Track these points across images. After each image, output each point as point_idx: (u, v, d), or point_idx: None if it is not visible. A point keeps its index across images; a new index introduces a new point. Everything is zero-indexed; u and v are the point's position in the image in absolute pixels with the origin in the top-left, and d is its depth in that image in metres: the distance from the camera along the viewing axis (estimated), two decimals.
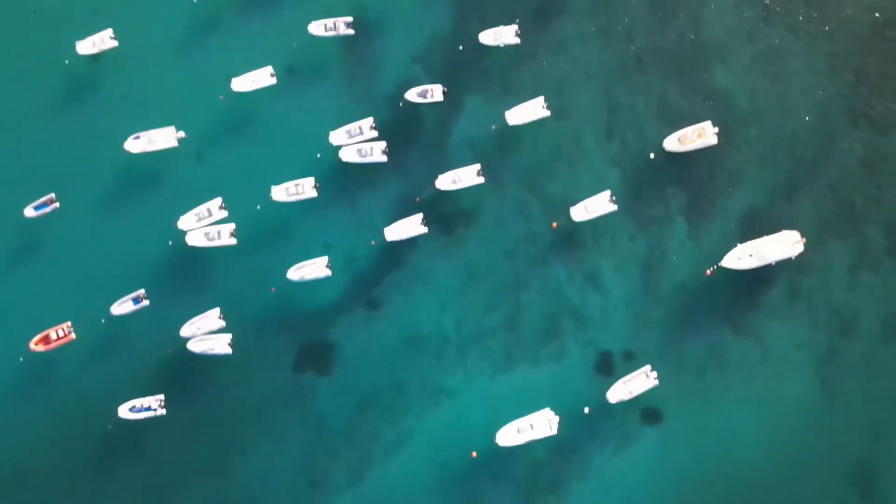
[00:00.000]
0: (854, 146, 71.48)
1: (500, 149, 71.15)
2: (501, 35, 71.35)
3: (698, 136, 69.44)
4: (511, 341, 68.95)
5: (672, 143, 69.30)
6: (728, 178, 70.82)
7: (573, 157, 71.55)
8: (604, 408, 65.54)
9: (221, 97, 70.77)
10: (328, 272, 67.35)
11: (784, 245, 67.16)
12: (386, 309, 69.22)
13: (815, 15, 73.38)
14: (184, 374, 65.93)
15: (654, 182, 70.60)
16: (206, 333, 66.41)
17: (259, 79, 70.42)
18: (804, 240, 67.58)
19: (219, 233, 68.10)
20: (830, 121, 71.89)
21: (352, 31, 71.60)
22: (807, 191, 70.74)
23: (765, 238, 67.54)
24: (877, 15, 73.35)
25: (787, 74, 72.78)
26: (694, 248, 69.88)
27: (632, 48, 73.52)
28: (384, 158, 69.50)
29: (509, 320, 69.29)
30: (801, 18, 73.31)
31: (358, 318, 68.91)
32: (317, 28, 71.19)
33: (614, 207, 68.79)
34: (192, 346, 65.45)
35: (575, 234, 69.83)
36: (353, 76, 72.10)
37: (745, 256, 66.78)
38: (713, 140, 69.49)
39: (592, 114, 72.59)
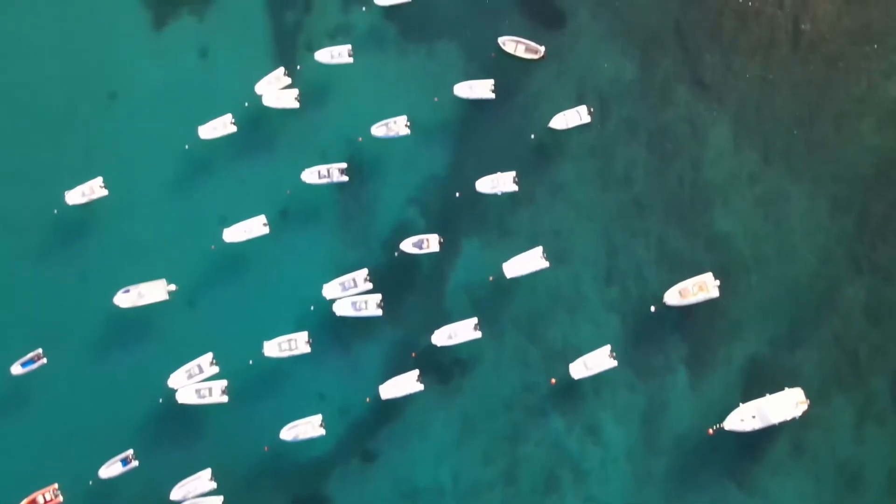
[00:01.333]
0: (858, 293, 70.13)
1: (497, 299, 69.78)
2: (499, 182, 70.11)
3: (699, 289, 68.12)
4: (509, 495, 67.55)
5: (673, 296, 67.97)
6: (730, 328, 69.42)
7: (572, 305, 70.19)
8: None
9: (213, 247, 69.40)
10: (322, 431, 65.87)
11: (787, 405, 65.73)
12: (381, 462, 67.80)
13: (818, 156, 72.17)
14: None
15: (654, 334, 69.19)
16: (197, 496, 64.80)
17: (251, 228, 69.09)
18: (808, 400, 66.15)
19: (210, 390, 66.59)
20: (833, 267, 70.57)
21: (346, 178, 70.34)
22: (810, 341, 69.33)
23: (768, 397, 66.10)
24: (881, 156, 72.18)
25: (789, 218, 71.49)
26: (696, 401, 68.46)
27: (631, 191, 72.24)
28: (379, 312, 68.09)
29: (507, 473, 67.86)
30: (803, 160, 72.10)
31: (352, 473, 67.50)
32: (310, 175, 69.92)
33: (614, 363, 67.39)
34: None
35: (574, 386, 68.38)
36: (348, 225, 70.80)
37: (747, 418, 65.34)
38: (714, 293, 68.15)
39: (592, 259, 71.29)
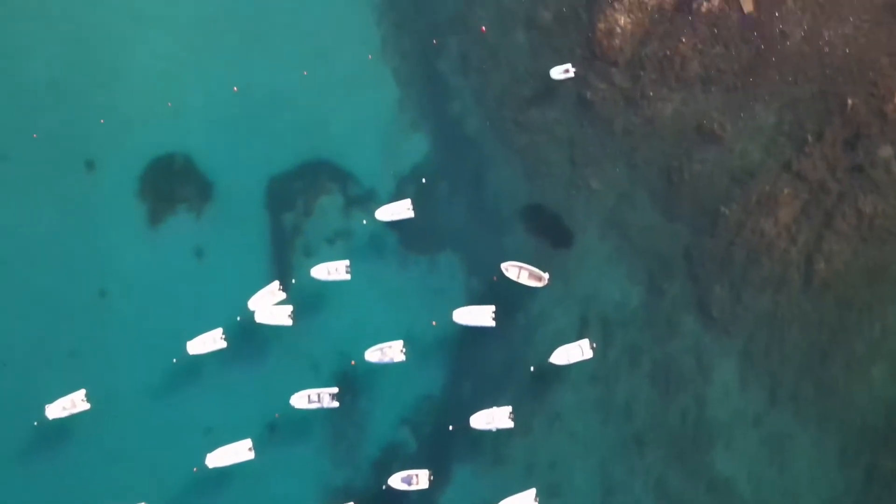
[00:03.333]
0: None
1: None
2: (494, 418, 67.67)
3: None
4: None
5: None
6: None
7: None
8: None
9: (195, 469, 67.08)
10: None
11: None
12: None
13: (827, 401, 69.40)
14: None
15: None
16: None
17: (236, 453, 66.81)
18: None
19: None
20: None
21: (336, 404, 67.99)
22: None
23: None
24: (892, 407, 69.47)
25: (794, 464, 68.74)
26: None
27: (631, 426, 69.66)
28: None
29: None
30: (811, 404, 69.43)
31: None
32: (300, 400, 67.61)
33: None
34: None
35: None
36: (335, 454, 68.42)
37: None
38: None
39: (587, 496, 68.80)
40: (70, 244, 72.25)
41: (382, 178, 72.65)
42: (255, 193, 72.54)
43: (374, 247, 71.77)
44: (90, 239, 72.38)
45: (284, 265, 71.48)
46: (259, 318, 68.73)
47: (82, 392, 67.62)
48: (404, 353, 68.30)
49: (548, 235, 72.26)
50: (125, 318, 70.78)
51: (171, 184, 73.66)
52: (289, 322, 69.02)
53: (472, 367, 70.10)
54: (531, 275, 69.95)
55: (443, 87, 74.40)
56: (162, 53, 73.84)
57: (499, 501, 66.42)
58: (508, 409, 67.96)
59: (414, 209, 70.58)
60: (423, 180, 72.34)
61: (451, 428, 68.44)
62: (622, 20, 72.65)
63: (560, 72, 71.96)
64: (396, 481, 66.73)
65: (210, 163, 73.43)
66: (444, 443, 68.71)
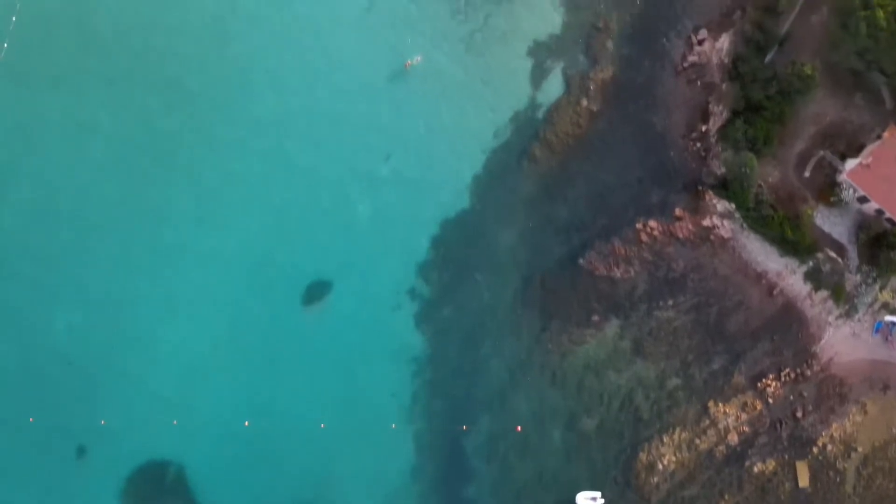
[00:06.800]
0: None
1: None
2: None
3: None
4: None
5: None
6: None
7: None
8: None
9: None
10: None
11: None
12: None
13: None
14: None
15: None
16: None
17: None
18: None
19: None
20: None
21: None
22: None
23: None
24: None
25: None
26: None
27: None
28: None
29: None
30: None
31: None
32: None
33: None
34: None
35: None
36: None
37: None
38: None
39: None
40: None
41: None
42: None
43: None
44: None
45: None
46: None
47: None
48: None
49: None
50: None
51: (159, 493, 69.53)
52: None
53: None
54: None
55: (462, 466, 69.61)
56: (183, 361, 69.51)
57: None
58: None
59: None
60: None
61: None
62: (667, 457, 67.44)
63: (587, 498, 66.94)
64: None
65: (204, 486, 69.17)
66: None
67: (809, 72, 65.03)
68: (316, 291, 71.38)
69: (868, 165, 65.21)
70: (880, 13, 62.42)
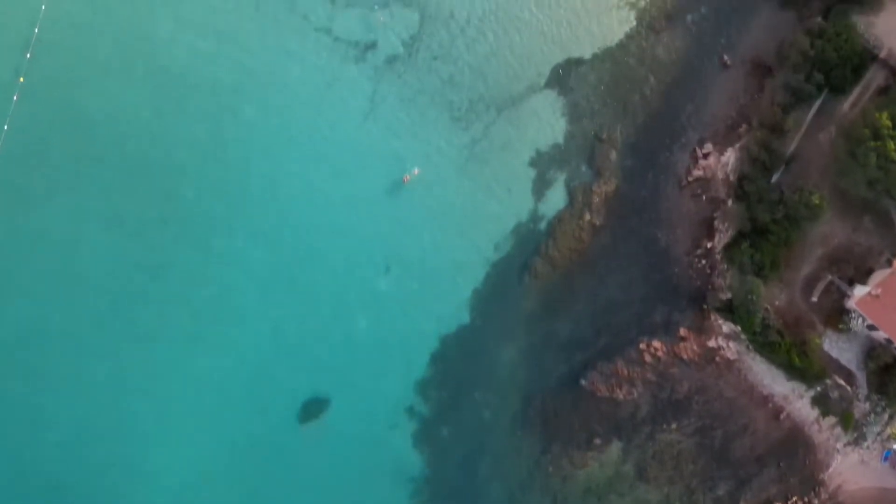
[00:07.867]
0: None
1: None
2: None
3: None
4: None
5: None
6: None
7: None
8: None
9: None
10: None
11: None
12: None
13: None
14: None
15: None
16: None
17: None
18: None
19: None
20: None
21: None
22: None
23: None
24: None
25: None
26: None
27: None
28: None
29: None
30: None
31: None
32: None
33: None
34: None
35: None
36: None
37: None
38: None
39: None
40: None
41: None
42: None
43: None
44: None
45: None
46: None
47: None
48: None
49: None
50: None
51: None
52: None
53: None
54: None
55: None
56: (176, 482, 67.95)
57: None
58: None
59: None
60: None
61: None
62: None
63: None
64: None
65: None
66: None
67: (817, 201, 63.72)
68: (313, 409, 69.89)
69: (878, 296, 63.82)
70: (891, 144, 61.13)
